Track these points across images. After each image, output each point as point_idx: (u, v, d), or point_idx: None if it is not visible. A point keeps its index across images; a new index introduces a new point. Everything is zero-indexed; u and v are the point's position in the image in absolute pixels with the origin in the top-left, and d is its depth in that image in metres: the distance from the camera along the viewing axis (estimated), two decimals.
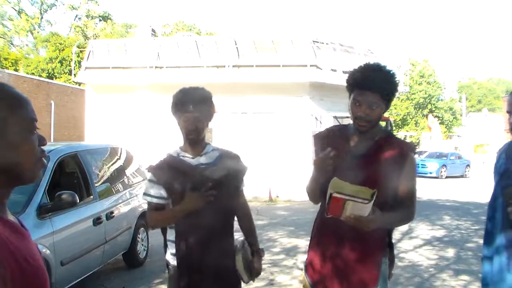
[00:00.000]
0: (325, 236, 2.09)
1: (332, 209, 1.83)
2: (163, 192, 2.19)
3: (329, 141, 2.10)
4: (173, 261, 2.23)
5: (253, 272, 2.32)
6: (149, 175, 2.27)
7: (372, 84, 1.95)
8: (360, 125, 1.99)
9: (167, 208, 2.22)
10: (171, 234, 2.25)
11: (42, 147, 1.05)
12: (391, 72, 2.02)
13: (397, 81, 2.05)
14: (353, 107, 2.00)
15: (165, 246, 2.33)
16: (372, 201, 1.77)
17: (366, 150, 2.03)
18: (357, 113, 1.97)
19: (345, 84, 2.13)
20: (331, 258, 2.04)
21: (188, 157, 2.24)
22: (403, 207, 2.01)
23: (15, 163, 0.99)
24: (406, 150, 2.05)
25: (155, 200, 2.21)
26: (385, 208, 1.93)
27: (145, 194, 2.24)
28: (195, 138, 2.23)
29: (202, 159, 2.24)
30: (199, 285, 2.16)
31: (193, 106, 2.18)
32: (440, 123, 44.23)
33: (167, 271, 2.36)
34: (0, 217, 0.96)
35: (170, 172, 2.19)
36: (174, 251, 2.22)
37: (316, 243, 2.14)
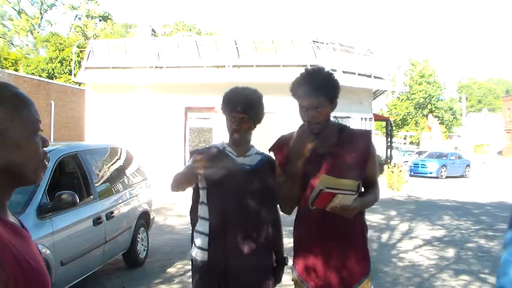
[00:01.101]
0: (311, 236, 2.16)
1: (318, 202, 1.96)
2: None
3: (289, 146, 2.18)
4: (202, 256, 2.19)
5: (277, 279, 2.34)
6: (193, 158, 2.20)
7: (311, 89, 2.07)
8: (311, 128, 2.10)
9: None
10: (201, 226, 2.23)
11: (45, 148, 1.04)
12: (328, 74, 2.15)
13: (335, 80, 2.15)
14: (301, 113, 2.12)
15: (192, 238, 2.31)
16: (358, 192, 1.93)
17: (329, 148, 2.14)
18: (305, 118, 2.10)
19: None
20: (322, 257, 2.11)
21: (233, 154, 2.24)
22: (372, 189, 2.20)
23: (18, 164, 0.98)
24: (366, 138, 2.22)
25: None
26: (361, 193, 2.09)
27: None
28: (239, 139, 2.24)
29: (246, 160, 2.25)
30: (228, 284, 2.15)
31: (241, 107, 2.17)
32: (440, 123, 44.26)
33: (191, 267, 2.30)
34: (0, 218, 0.95)
35: (215, 160, 2.15)
36: (202, 245, 2.19)
37: (303, 244, 2.21)
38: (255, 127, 2.29)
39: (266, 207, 2.23)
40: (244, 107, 2.18)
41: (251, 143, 2.36)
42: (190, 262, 2.37)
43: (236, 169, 2.18)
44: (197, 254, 2.22)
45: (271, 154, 2.32)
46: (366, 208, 2.25)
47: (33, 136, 1.00)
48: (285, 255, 2.41)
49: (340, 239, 2.10)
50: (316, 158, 2.11)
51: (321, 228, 2.10)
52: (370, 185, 2.19)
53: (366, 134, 2.26)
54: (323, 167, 2.08)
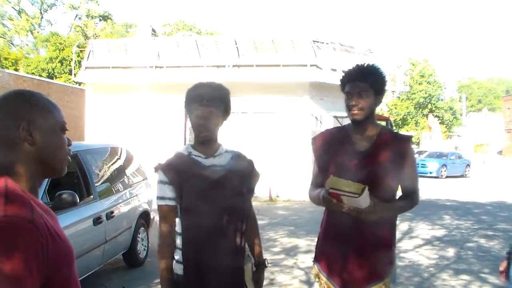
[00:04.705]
0: (333, 234, 2.18)
1: None
2: (174, 194, 2.02)
3: (330, 141, 2.22)
4: (179, 270, 2.04)
5: (258, 283, 2.22)
6: (159, 175, 2.07)
7: (358, 75, 2.10)
8: (353, 114, 2.10)
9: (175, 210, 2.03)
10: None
11: (69, 147, 1.24)
12: (377, 66, 2.19)
13: (383, 74, 2.17)
14: (346, 101, 2.13)
15: None
16: (363, 195, 1.88)
17: (367, 147, 2.14)
18: (349, 103, 2.10)
19: None
20: (343, 254, 2.13)
21: (201, 157, 2.06)
22: (407, 195, 2.20)
23: (52, 155, 1.18)
24: (405, 143, 2.20)
25: (169, 203, 2.02)
26: (391, 199, 2.10)
27: (159, 198, 2.04)
28: (207, 136, 2.04)
29: (216, 161, 2.06)
30: None
31: (207, 101, 2.00)
32: (440, 123, 44.22)
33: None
34: (34, 199, 1.12)
35: (181, 173, 2.02)
36: (179, 258, 2.03)
37: (325, 242, 2.24)
38: (222, 123, 2.10)
39: (243, 207, 2.10)
40: (210, 100, 2.01)
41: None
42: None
43: (206, 176, 2.01)
44: (174, 266, 2.05)
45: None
46: (394, 214, 2.25)
47: (62, 134, 1.21)
48: (264, 258, 2.28)
49: (364, 239, 2.09)
50: (353, 155, 2.12)
51: (348, 225, 2.08)
52: (406, 191, 2.20)
53: (406, 139, 2.23)
54: (358, 165, 2.08)
